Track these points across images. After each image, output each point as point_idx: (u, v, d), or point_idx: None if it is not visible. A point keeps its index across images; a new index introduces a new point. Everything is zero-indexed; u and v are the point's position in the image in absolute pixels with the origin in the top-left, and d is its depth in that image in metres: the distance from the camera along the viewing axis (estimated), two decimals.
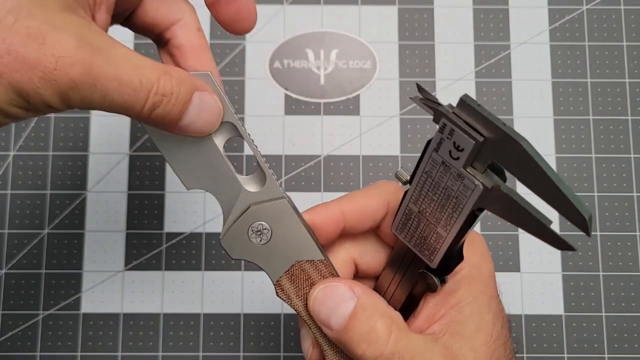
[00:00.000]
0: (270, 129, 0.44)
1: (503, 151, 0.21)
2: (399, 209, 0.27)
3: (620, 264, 0.43)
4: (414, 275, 0.28)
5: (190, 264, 0.43)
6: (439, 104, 0.23)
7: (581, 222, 0.19)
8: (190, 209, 0.43)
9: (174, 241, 0.43)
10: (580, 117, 0.44)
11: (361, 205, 0.29)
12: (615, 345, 0.42)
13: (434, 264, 0.27)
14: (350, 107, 0.45)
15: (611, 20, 0.45)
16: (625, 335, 0.42)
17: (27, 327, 0.42)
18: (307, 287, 0.28)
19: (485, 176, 0.23)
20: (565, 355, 0.42)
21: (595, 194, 0.43)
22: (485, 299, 0.28)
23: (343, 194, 0.30)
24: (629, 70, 0.45)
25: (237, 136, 0.28)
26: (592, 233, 0.43)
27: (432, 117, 0.24)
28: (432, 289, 0.28)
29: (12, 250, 0.42)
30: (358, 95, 0.45)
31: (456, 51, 0.45)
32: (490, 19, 0.46)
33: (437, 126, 0.23)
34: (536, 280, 0.43)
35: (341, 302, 0.27)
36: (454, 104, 0.22)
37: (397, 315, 0.27)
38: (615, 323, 0.42)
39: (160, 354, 0.41)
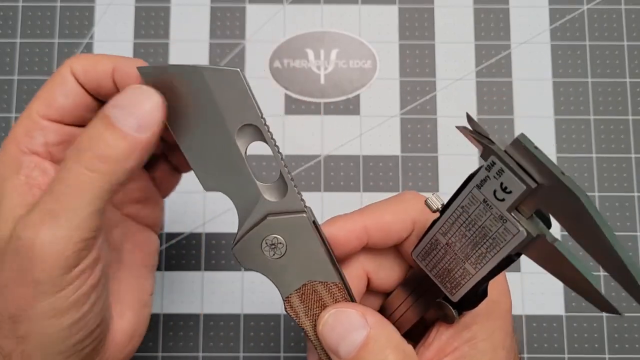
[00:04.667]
0: (270, 128, 0.44)
1: (556, 201, 0.19)
2: (423, 236, 0.26)
3: None
4: (429, 301, 0.27)
5: (190, 264, 0.42)
6: (491, 140, 0.21)
7: (636, 292, 0.18)
8: (190, 209, 0.43)
9: (173, 241, 0.43)
10: (580, 117, 0.44)
11: (386, 223, 0.27)
12: (616, 346, 0.42)
13: (455, 298, 0.25)
14: (350, 107, 0.45)
15: (612, 20, 0.45)
16: (626, 335, 0.42)
17: None
18: (318, 309, 0.27)
19: (530, 222, 0.21)
20: (566, 356, 0.42)
21: (596, 193, 0.43)
22: (501, 335, 0.27)
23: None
24: (629, 70, 0.45)
25: (260, 140, 0.27)
26: None
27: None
28: (449, 320, 0.27)
29: None
30: (358, 95, 0.45)
31: (456, 51, 0.45)
32: (491, 18, 0.46)
33: (485, 163, 0.21)
34: (537, 281, 0.42)
35: (352, 330, 0.25)
36: (501, 139, 0.21)
37: (410, 349, 0.26)
38: (616, 323, 0.42)
39: (160, 354, 0.41)
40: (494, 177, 0.21)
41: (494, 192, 0.21)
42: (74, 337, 0.25)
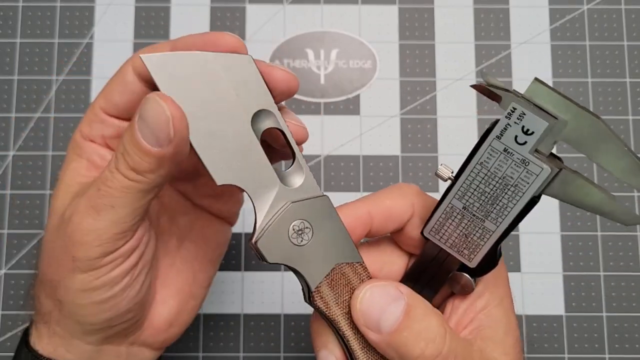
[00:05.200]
0: None
1: (576, 130, 0.22)
2: (435, 210, 0.26)
3: (620, 264, 0.43)
4: (440, 282, 0.28)
5: None
6: (508, 90, 0.23)
7: None
8: None
9: None
10: None
11: (387, 207, 0.28)
12: (616, 346, 0.42)
13: (473, 263, 0.26)
14: (350, 107, 0.45)
15: (612, 20, 0.45)
16: (626, 335, 0.42)
17: (29, 322, 0.42)
18: (347, 294, 0.26)
19: (550, 160, 0.23)
20: (566, 356, 0.42)
21: None
22: (509, 301, 0.28)
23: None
24: (629, 70, 0.45)
25: (275, 128, 0.26)
26: (592, 233, 0.43)
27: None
28: (467, 290, 0.27)
29: (12, 250, 0.42)
30: (358, 95, 0.45)
31: (456, 51, 0.45)
32: (491, 18, 0.46)
33: (505, 111, 0.23)
34: (537, 280, 0.42)
35: (391, 302, 0.25)
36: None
37: (441, 314, 0.26)
38: (616, 323, 0.42)
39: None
40: (515, 122, 0.23)
41: (515, 137, 0.23)
42: (104, 314, 0.27)
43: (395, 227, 0.28)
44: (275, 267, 0.42)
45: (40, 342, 0.29)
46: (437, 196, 0.27)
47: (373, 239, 0.31)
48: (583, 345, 0.42)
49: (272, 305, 0.42)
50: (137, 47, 0.45)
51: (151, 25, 0.45)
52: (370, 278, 0.27)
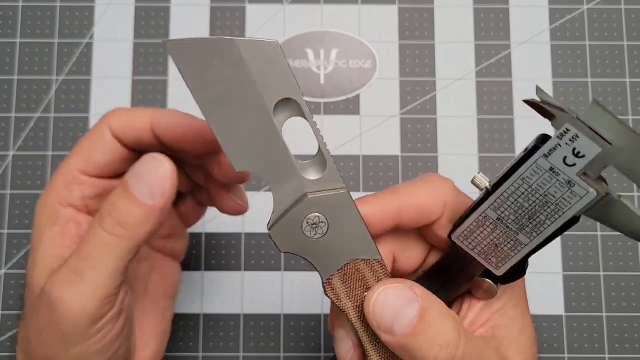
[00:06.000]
0: None
1: (630, 157, 0.22)
2: (466, 216, 0.26)
3: (620, 264, 0.43)
4: (462, 282, 0.28)
5: (190, 264, 0.42)
6: (562, 109, 0.22)
7: None
8: None
9: None
10: None
11: (420, 204, 0.27)
12: (616, 346, 0.42)
13: (500, 272, 0.26)
14: (350, 107, 0.45)
15: (612, 20, 0.45)
16: (626, 335, 0.42)
17: None
18: (361, 289, 0.26)
19: (597, 183, 0.23)
20: (566, 356, 0.42)
21: None
22: (525, 303, 0.29)
23: (386, 191, 0.28)
24: (629, 70, 0.45)
25: (298, 116, 0.25)
26: (592, 233, 0.43)
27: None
28: (489, 296, 0.27)
29: (12, 250, 0.42)
30: (358, 95, 0.45)
31: (456, 51, 0.45)
32: (491, 18, 0.46)
33: (558, 131, 0.22)
34: (536, 281, 0.42)
35: (406, 304, 0.25)
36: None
37: (457, 316, 0.26)
38: (616, 323, 0.42)
39: None
40: (567, 144, 0.22)
41: (564, 158, 0.23)
42: None
43: (424, 224, 0.28)
44: (275, 267, 0.42)
45: None
46: None
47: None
48: (583, 345, 0.42)
49: (272, 305, 0.42)
50: (137, 47, 0.45)
51: (151, 25, 0.45)
52: (387, 276, 0.27)
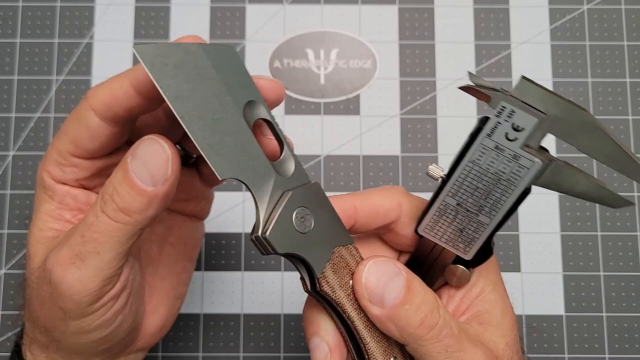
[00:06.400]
0: None
1: (566, 123, 0.23)
2: (428, 208, 0.27)
3: (620, 264, 0.43)
4: (435, 276, 0.29)
5: None
6: (496, 89, 0.24)
7: None
8: None
9: None
10: None
11: (374, 204, 0.28)
12: (616, 346, 0.42)
13: (469, 255, 0.27)
14: (350, 107, 0.45)
15: (612, 19, 0.45)
16: (626, 335, 0.42)
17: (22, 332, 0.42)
18: (348, 276, 0.27)
19: (539, 153, 0.24)
20: (566, 356, 0.42)
21: None
22: (501, 286, 0.29)
23: (343, 194, 0.29)
24: (629, 69, 0.45)
25: (261, 119, 0.26)
26: (592, 233, 0.43)
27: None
28: (464, 281, 0.28)
29: (12, 250, 0.42)
30: (358, 95, 0.45)
31: (456, 51, 0.45)
32: (491, 18, 0.46)
33: (495, 110, 0.23)
34: (537, 280, 0.42)
35: (393, 276, 0.26)
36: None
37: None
38: (616, 323, 0.42)
39: (160, 354, 0.41)
40: (505, 120, 0.23)
41: (506, 134, 0.24)
42: (102, 346, 0.28)
43: (379, 225, 0.29)
44: (275, 267, 0.42)
45: None
46: None
47: (360, 235, 0.31)
48: (583, 345, 0.42)
49: (272, 305, 0.42)
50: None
51: (151, 25, 0.45)
52: (363, 258, 0.28)
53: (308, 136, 0.44)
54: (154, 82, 0.23)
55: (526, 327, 0.42)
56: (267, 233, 0.24)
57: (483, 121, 0.24)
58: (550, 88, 0.45)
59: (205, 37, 0.45)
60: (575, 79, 0.45)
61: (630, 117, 0.44)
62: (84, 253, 0.25)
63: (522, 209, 0.43)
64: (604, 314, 0.42)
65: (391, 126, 0.44)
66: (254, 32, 0.45)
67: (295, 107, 0.44)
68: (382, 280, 0.26)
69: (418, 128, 0.44)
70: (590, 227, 0.43)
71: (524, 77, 0.23)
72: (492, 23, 0.46)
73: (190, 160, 0.32)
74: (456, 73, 0.45)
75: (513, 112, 0.23)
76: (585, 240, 0.43)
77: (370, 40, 0.45)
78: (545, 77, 0.45)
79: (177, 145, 0.31)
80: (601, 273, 0.43)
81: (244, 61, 0.45)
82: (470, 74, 0.25)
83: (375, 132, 0.44)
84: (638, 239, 0.43)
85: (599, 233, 0.43)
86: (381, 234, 0.30)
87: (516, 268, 0.43)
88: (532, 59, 0.45)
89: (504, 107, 0.23)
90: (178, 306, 0.34)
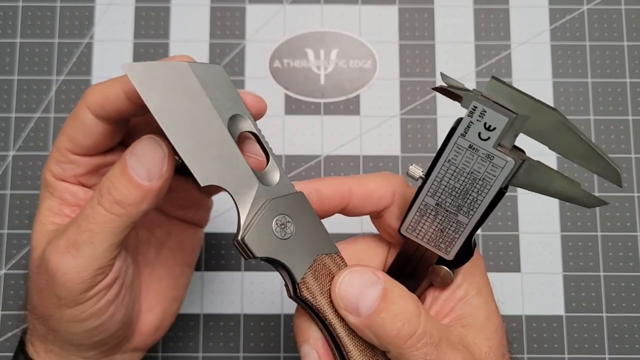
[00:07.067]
0: (270, 128, 0.44)
1: (535, 122, 0.23)
2: (410, 208, 0.27)
3: (620, 264, 0.43)
4: (420, 276, 0.29)
5: None
6: (468, 90, 0.24)
7: (615, 175, 0.23)
8: None
9: None
10: (580, 117, 0.44)
11: (369, 188, 0.29)
12: (616, 346, 0.42)
13: (450, 256, 0.28)
14: (350, 107, 0.45)
15: (612, 20, 0.45)
16: (626, 335, 0.42)
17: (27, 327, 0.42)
18: (329, 283, 0.27)
19: (513, 152, 0.24)
20: (566, 356, 0.42)
21: (596, 193, 0.43)
22: (487, 289, 0.29)
23: (342, 176, 0.30)
24: (629, 70, 0.45)
25: (247, 131, 0.28)
26: (592, 233, 0.43)
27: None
28: (447, 282, 0.28)
29: (12, 250, 0.42)
30: (358, 95, 0.45)
31: (456, 51, 0.45)
32: (491, 18, 0.46)
33: (467, 110, 0.24)
34: (536, 281, 0.42)
35: (369, 285, 0.26)
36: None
37: (418, 299, 0.28)
38: (616, 323, 0.42)
39: (160, 354, 0.41)
40: (477, 120, 0.24)
41: (479, 134, 0.24)
42: (95, 337, 0.30)
43: (372, 210, 0.29)
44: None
45: (38, 358, 0.31)
46: None
47: (350, 238, 0.31)
48: (583, 345, 0.42)
49: (272, 305, 0.42)
50: (137, 47, 0.45)
51: (151, 25, 0.45)
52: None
53: (308, 136, 0.44)
54: (140, 95, 0.25)
55: (526, 327, 0.42)
56: (246, 237, 0.26)
57: (458, 121, 0.25)
58: (551, 88, 0.45)
59: (205, 37, 0.45)
60: (575, 79, 0.45)
61: (630, 117, 0.44)
62: (79, 242, 0.27)
63: (522, 209, 0.43)
64: (604, 314, 0.42)
65: (391, 126, 0.44)
66: (254, 32, 0.45)
67: (295, 107, 0.44)
68: (357, 289, 0.26)
69: (418, 128, 0.44)
70: (590, 227, 0.43)
71: (493, 77, 0.23)
72: (492, 23, 0.46)
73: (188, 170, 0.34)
74: (456, 73, 0.45)
75: (484, 111, 0.23)
76: (585, 240, 0.43)
77: (370, 40, 0.45)
78: (545, 77, 0.45)
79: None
80: (601, 273, 0.43)
81: (244, 63, 0.45)
82: (442, 74, 0.25)
83: (375, 132, 0.44)
84: (638, 239, 0.43)
85: (599, 233, 0.43)
86: (372, 218, 0.31)
87: (516, 268, 0.43)
88: (532, 59, 0.45)
89: (475, 106, 0.24)
90: (175, 308, 0.35)
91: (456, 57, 0.45)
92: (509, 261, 0.43)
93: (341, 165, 0.44)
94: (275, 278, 0.42)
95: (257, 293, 0.42)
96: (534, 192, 0.25)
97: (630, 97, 0.44)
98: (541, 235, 0.43)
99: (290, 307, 0.42)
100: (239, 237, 0.26)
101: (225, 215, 0.43)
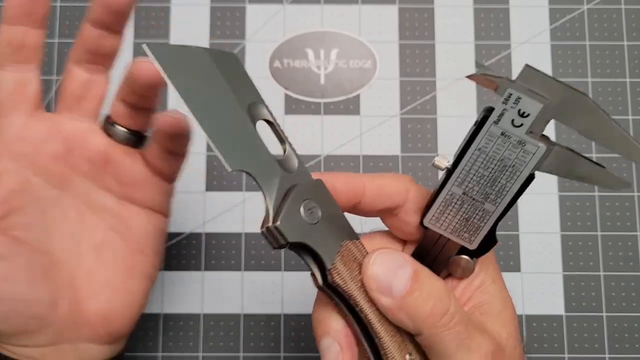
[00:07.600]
0: None
1: (568, 108, 0.24)
2: (433, 200, 0.28)
3: (620, 264, 0.43)
4: (439, 267, 0.29)
5: (190, 264, 0.42)
6: (502, 77, 0.24)
7: None
8: (190, 209, 0.43)
9: (173, 241, 0.43)
10: None
11: (382, 184, 0.29)
12: (616, 346, 0.42)
13: (474, 245, 0.28)
14: (350, 107, 0.45)
15: (612, 19, 0.45)
16: (626, 335, 0.42)
17: None
18: (356, 269, 0.27)
19: (543, 139, 0.25)
20: (566, 356, 0.42)
21: (596, 193, 0.43)
22: (500, 279, 0.30)
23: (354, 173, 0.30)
24: (629, 69, 0.45)
25: (263, 120, 0.28)
26: (592, 233, 0.43)
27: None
28: (467, 273, 0.29)
29: None
30: (358, 95, 0.45)
31: (456, 51, 0.45)
32: (491, 18, 0.46)
33: (502, 97, 0.24)
34: (537, 280, 0.42)
35: (400, 266, 0.26)
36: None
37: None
38: (616, 323, 0.42)
39: (160, 354, 0.41)
40: (512, 107, 0.24)
41: (512, 121, 0.25)
42: (13, 319, 0.29)
43: (385, 206, 0.29)
44: (275, 267, 0.42)
45: None
46: None
47: (366, 233, 0.31)
48: (583, 345, 0.42)
49: (272, 305, 0.42)
50: (137, 47, 0.45)
51: (151, 25, 0.45)
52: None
53: (308, 136, 0.44)
54: (166, 78, 0.24)
55: (526, 327, 0.42)
56: (278, 222, 0.25)
57: (489, 110, 0.25)
58: None
59: (206, 37, 0.45)
60: (575, 79, 0.45)
61: (630, 117, 0.44)
62: None
63: (522, 209, 0.43)
64: (604, 314, 0.42)
65: (391, 126, 0.44)
66: (254, 32, 0.45)
67: (295, 107, 0.44)
68: (389, 270, 0.26)
69: (418, 128, 0.44)
70: (590, 227, 0.43)
71: (527, 65, 0.24)
72: (492, 23, 0.46)
73: (140, 145, 0.33)
74: (456, 73, 0.45)
75: (519, 98, 0.24)
76: (585, 240, 0.43)
77: (370, 40, 0.45)
78: None
79: (123, 127, 0.32)
80: (601, 273, 0.43)
81: (244, 62, 0.45)
82: (477, 63, 0.26)
83: (375, 132, 0.44)
84: (638, 239, 0.43)
85: (599, 233, 0.43)
86: (385, 218, 0.30)
87: (516, 268, 0.43)
88: (532, 59, 0.45)
89: (510, 94, 0.24)
90: (131, 300, 0.33)
91: (456, 57, 0.45)
92: (509, 261, 0.43)
93: (341, 165, 0.44)
94: (275, 278, 0.42)
95: (257, 293, 0.42)
96: (560, 177, 0.26)
97: (630, 97, 0.44)
98: (541, 235, 0.43)
99: (290, 307, 0.42)
100: (271, 224, 0.25)
101: (224, 216, 0.43)
